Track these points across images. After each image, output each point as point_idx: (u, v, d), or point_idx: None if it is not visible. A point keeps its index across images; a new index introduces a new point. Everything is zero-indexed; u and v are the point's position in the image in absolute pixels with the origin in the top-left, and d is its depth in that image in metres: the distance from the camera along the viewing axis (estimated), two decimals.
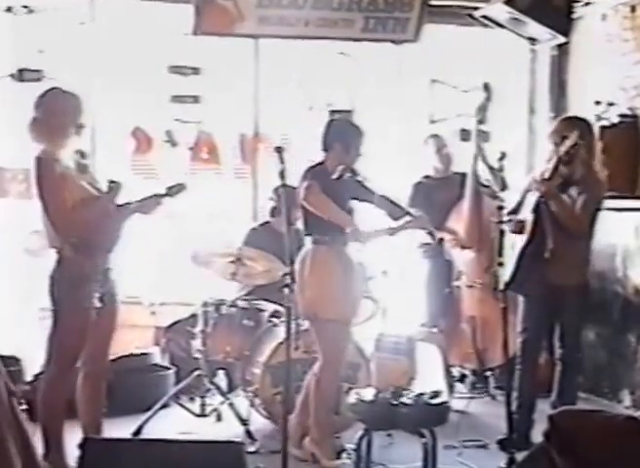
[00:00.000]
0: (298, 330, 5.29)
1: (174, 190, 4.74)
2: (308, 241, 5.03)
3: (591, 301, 5.54)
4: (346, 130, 5.12)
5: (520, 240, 5.15)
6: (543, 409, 4.88)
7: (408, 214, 5.10)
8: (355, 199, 5.08)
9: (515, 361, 5.14)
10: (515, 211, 5.21)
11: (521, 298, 5.20)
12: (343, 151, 5.00)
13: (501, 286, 5.23)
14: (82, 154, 4.66)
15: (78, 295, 4.41)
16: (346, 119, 5.19)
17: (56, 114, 4.51)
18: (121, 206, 4.59)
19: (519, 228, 5.11)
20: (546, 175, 4.92)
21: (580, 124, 5.10)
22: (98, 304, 4.48)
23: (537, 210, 5.01)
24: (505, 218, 5.18)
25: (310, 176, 4.96)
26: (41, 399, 4.55)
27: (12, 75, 6.55)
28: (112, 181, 4.58)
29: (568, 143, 4.84)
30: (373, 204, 5.10)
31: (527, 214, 5.09)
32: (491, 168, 6.09)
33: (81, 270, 4.42)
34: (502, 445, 4.89)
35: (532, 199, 5.06)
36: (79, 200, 4.44)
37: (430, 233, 5.25)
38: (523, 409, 5.08)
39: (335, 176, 4.89)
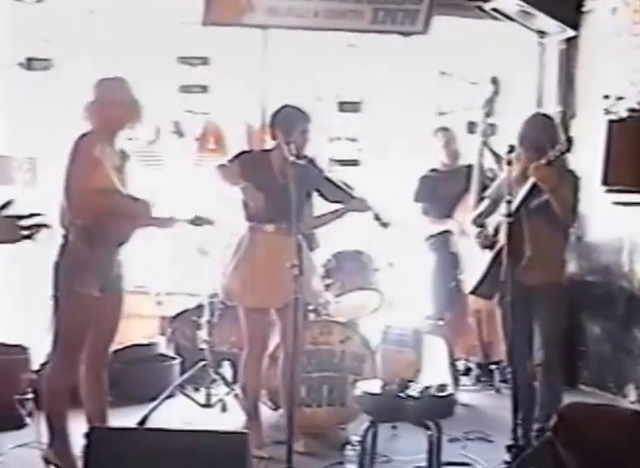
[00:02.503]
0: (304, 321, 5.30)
1: (199, 222, 4.82)
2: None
3: (587, 297, 5.44)
4: (288, 115, 5.05)
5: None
6: None
7: (350, 196, 5.16)
8: (318, 192, 5.14)
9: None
10: (485, 214, 5.18)
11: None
12: (285, 135, 4.95)
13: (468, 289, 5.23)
14: (124, 155, 4.67)
15: (75, 280, 4.41)
16: (292, 105, 5.12)
17: (112, 101, 4.53)
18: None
19: (490, 243, 5.02)
20: (543, 161, 4.66)
21: (547, 122, 5.04)
22: (95, 293, 4.47)
23: (516, 213, 4.80)
24: (477, 231, 5.16)
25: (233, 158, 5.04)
26: (45, 386, 4.57)
27: (20, 64, 6.56)
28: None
29: (556, 153, 4.72)
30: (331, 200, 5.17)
31: (500, 219, 4.91)
32: (498, 156, 6.09)
33: (80, 255, 4.41)
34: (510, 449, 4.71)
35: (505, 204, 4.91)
36: (103, 189, 4.44)
37: (376, 216, 5.22)
38: (528, 415, 4.92)
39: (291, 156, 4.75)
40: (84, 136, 4.45)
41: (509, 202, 4.72)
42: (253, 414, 5.13)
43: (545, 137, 4.89)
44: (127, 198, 4.53)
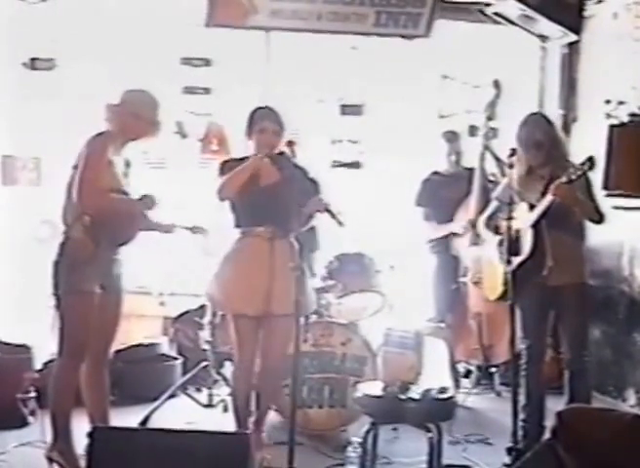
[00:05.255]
0: (306, 322, 5.32)
1: (196, 230, 4.92)
2: None
3: (593, 301, 5.44)
4: (251, 115, 4.94)
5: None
6: (548, 406, 4.90)
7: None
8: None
9: (520, 362, 4.98)
10: (492, 217, 5.21)
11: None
12: (248, 135, 4.91)
13: (492, 296, 5.24)
14: (127, 163, 4.72)
15: (76, 278, 4.43)
16: (262, 106, 4.99)
17: (139, 116, 4.61)
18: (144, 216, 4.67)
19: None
20: (564, 180, 4.66)
21: (545, 124, 5.06)
22: (97, 290, 4.50)
23: (536, 225, 4.84)
24: (498, 238, 5.16)
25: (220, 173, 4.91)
26: (52, 385, 4.57)
27: (24, 64, 6.59)
28: (145, 195, 4.68)
29: (578, 173, 4.72)
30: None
31: (519, 224, 4.87)
32: (499, 160, 6.11)
33: (82, 253, 4.44)
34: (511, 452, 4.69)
35: (521, 210, 4.90)
36: (113, 188, 4.50)
37: (332, 215, 4.83)
38: (532, 417, 4.95)
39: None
40: (99, 135, 4.51)
41: (509, 204, 4.75)
42: (243, 422, 4.99)
43: (541, 134, 4.92)
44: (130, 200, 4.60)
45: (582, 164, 4.66)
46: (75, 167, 4.49)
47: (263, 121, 4.87)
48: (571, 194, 4.73)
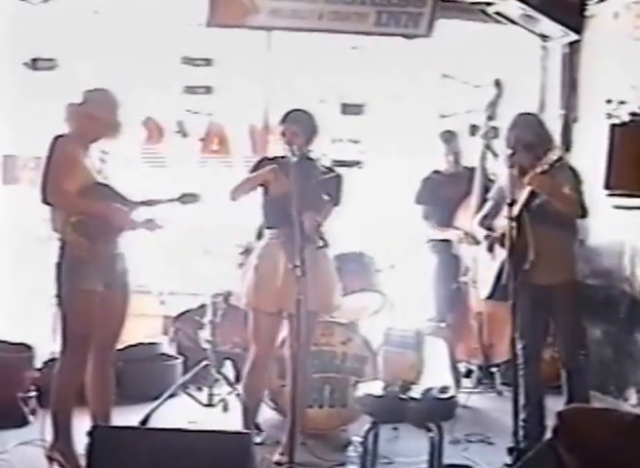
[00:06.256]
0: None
1: (186, 199, 4.80)
2: None
3: (587, 300, 5.44)
4: None
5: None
6: (549, 406, 4.90)
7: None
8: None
9: (518, 363, 4.93)
10: (490, 216, 5.21)
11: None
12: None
13: (483, 295, 5.24)
14: (102, 160, 4.71)
15: (77, 277, 4.44)
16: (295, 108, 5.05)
17: (96, 117, 4.56)
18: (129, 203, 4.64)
19: (500, 244, 5.02)
20: (538, 170, 4.69)
21: (535, 124, 5.05)
22: (100, 288, 4.49)
23: (518, 218, 4.79)
24: (484, 233, 5.18)
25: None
26: (55, 384, 4.56)
27: (25, 64, 6.59)
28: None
29: (553, 158, 4.72)
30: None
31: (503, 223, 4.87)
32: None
33: (80, 252, 4.44)
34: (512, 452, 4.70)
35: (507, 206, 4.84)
36: (85, 187, 4.48)
37: (319, 235, 4.85)
38: (533, 416, 4.93)
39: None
40: (59, 137, 4.49)
41: (510, 204, 4.75)
42: (250, 421, 4.98)
43: (531, 135, 4.91)
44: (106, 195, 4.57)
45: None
46: None
47: (283, 124, 4.95)
48: (546, 184, 4.75)
